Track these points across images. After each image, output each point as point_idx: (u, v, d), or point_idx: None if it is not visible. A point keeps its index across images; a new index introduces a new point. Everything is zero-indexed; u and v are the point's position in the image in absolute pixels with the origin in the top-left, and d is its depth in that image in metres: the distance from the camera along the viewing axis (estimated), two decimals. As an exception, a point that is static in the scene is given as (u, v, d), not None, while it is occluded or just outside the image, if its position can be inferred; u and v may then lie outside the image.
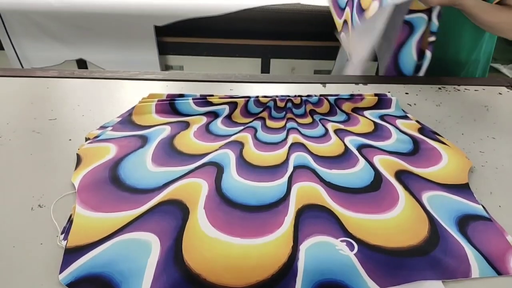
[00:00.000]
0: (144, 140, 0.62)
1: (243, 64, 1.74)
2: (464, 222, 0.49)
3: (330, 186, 0.53)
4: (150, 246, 0.43)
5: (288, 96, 0.72)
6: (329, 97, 0.73)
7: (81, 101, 0.74)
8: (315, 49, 1.72)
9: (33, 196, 0.51)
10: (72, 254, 0.42)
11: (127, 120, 0.67)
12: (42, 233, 0.46)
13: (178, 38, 1.66)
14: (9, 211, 0.49)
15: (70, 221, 0.47)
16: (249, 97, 0.71)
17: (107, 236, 0.44)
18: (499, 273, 0.42)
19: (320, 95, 0.73)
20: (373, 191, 0.53)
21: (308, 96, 0.73)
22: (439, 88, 0.82)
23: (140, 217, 0.47)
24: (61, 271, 0.41)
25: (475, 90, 0.82)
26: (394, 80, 0.84)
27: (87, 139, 0.63)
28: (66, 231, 0.46)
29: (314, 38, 1.69)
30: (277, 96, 0.72)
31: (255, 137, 0.64)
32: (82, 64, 1.74)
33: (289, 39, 1.70)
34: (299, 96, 0.73)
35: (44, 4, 1.58)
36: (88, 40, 1.64)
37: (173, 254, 0.42)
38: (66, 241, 0.44)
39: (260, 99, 0.71)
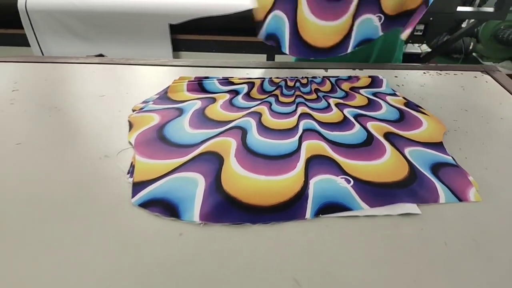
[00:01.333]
0: (180, 111, 0.76)
1: (250, 60, 1.88)
2: (437, 167, 0.63)
3: (331, 143, 0.67)
4: (196, 181, 0.57)
5: (297, 77, 0.87)
6: (330, 78, 0.87)
7: (123, 83, 0.89)
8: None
9: (100, 150, 0.66)
10: (138, 186, 0.57)
11: (164, 97, 0.82)
12: (111, 174, 0.60)
13: (191, 36, 1.80)
14: (83, 159, 0.64)
15: (132, 166, 0.62)
16: (264, 78, 0.85)
17: (163, 175, 0.59)
18: (460, 200, 0.57)
19: (323, 77, 0.87)
20: (366, 146, 0.67)
21: (313, 77, 0.87)
22: (424, 73, 0.97)
23: (186, 163, 0.61)
24: (132, 197, 0.55)
25: (454, 74, 0.96)
26: (385, 66, 0.98)
27: (133, 110, 0.77)
28: (130, 172, 0.60)
29: None
30: (287, 77, 0.86)
31: (270, 109, 0.78)
32: (100, 59, 1.89)
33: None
34: (305, 77, 0.87)
35: (68, 4, 1.72)
36: (107, 37, 1.79)
37: (215, 186, 0.56)
38: (132, 178, 0.59)
39: (273, 79, 0.85)
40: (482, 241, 0.51)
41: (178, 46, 1.82)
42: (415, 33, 1.75)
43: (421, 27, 1.72)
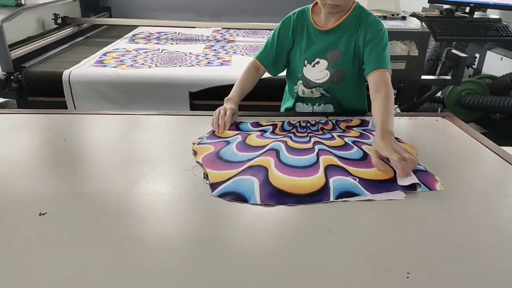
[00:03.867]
0: (227, 143, 1.05)
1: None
2: (413, 171, 0.92)
3: (339, 157, 0.97)
4: (253, 181, 0.85)
5: (307, 120, 1.19)
6: (332, 120, 1.20)
7: (186, 130, 1.19)
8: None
9: (182, 167, 0.93)
10: (215, 185, 0.84)
11: (213, 135, 1.11)
12: (193, 181, 0.87)
13: (207, 101, 2.15)
14: (172, 172, 0.91)
15: (205, 174, 0.89)
16: (283, 121, 1.17)
17: (228, 178, 0.86)
18: (430, 189, 0.85)
19: (326, 120, 1.20)
20: (363, 160, 0.97)
21: (320, 120, 1.20)
22: (399, 118, 1.30)
23: (241, 171, 0.89)
24: (213, 191, 0.82)
25: (421, 119, 1.30)
26: (370, 114, 1.32)
27: (193, 143, 1.06)
28: (205, 177, 0.88)
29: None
30: (300, 120, 1.18)
31: (292, 140, 1.08)
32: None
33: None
34: (314, 120, 1.20)
35: (104, 76, 2.08)
36: (135, 102, 2.12)
37: (266, 183, 0.84)
38: (208, 181, 0.86)
39: (291, 121, 1.17)
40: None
41: (195, 109, 2.15)
42: (390, 96, 2.16)
43: (394, 91, 2.13)
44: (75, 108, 2.12)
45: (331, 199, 0.81)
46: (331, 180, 0.86)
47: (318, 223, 0.74)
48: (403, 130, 1.21)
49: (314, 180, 0.86)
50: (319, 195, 0.81)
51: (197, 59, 2.44)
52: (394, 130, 1.01)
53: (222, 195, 0.81)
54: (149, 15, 3.61)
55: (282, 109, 1.44)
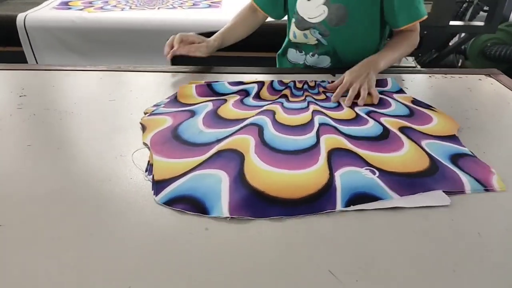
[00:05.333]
0: (192, 113, 0.75)
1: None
2: (455, 158, 0.63)
3: (348, 136, 0.67)
4: (220, 177, 0.56)
5: (305, 80, 0.87)
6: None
7: (132, 88, 0.88)
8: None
9: (115, 150, 0.64)
10: (160, 184, 0.55)
11: (174, 100, 0.81)
12: (128, 173, 0.58)
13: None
14: (101, 158, 0.62)
15: (150, 165, 0.60)
16: (273, 79, 0.86)
17: (184, 173, 0.57)
18: (485, 188, 0.56)
19: (329, 81, 0.88)
20: (383, 139, 0.67)
21: (322, 81, 0.88)
22: (429, 76, 0.98)
23: (206, 161, 0.60)
24: (156, 195, 0.53)
25: (459, 77, 0.98)
26: (392, 71, 1.00)
27: (145, 113, 0.76)
28: (148, 171, 0.58)
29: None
30: (295, 80, 0.87)
31: (282, 107, 0.78)
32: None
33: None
34: (313, 80, 0.88)
35: (67, 21, 1.73)
36: (104, 53, 1.79)
37: (240, 181, 0.55)
38: (151, 176, 0.57)
39: (283, 80, 0.85)
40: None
41: (176, 63, 1.82)
42: (410, 46, 1.79)
43: (416, 40, 1.77)
44: (36, 61, 1.80)
45: (339, 207, 0.52)
46: (337, 175, 0.56)
47: (313, 259, 0.46)
48: (436, 94, 0.89)
49: (312, 175, 0.56)
50: (319, 201, 0.52)
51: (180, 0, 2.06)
52: (381, 68, 0.89)
53: (169, 202, 0.52)
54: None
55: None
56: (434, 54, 2.02)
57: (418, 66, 2.21)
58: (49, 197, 0.53)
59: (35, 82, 0.90)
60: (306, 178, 0.56)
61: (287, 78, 0.91)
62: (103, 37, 1.75)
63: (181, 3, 1.99)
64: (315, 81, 0.88)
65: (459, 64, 2.72)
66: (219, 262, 0.44)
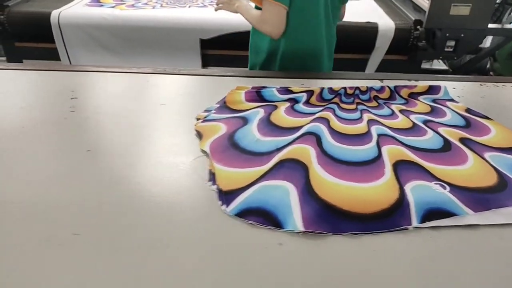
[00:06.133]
0: (245, 120, 0.74)
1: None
2: None
3: (411, 147, 0.65)
4: (287, 189, 0.55)
5: (357, 86, 0.85)
6: (390, 85, 0.86)
7: (181, 92, 0.88)
8: (341, 61, 1.86)
9: (173, 157, 0.64)
10: (229, 195, 0.54)
11: (224, 106, 0.80)
12: (190, 182, 0.58)
13: (219, 51, 1.80)
14: (160, 166, 0.61)
15: (211, 173, 0.59)
16: (323, 87, 0.84)
17: (250, 184, 0.56)
18: None
19: (381, 86, 0.86)
20: (446, 151, 0.65)
21: (373, 86, 0.87)
22: (480, 85, 0.95)
23: (269, 171, 0.59)
24: (226, 206, 0.52)
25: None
26: (441, 77, 0.97)
27: (198, 119, 0.75)
28: (212, 180, 0.58)
29: (341, 50, 1.82)
30: (346, 86, 0.85)
31: (335, 115, 0.76)
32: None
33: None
34: (365, 86, 0.86)
35: (99, 18, 1.73)
36: (136, 51, 1.79)
37: (308, 193, 0.54)
38: (215, 186, 0.56)
39: (333, 88, 0.84)
40: None
41: (207, 61, 1.82)
42: (446, 49, 1.76)
43: (452, 43, 1.73)
44: (68, 57, 1.81)
45: (414, 223, 0.50)
46: (407, 189, 0.55)
47: (390, 279, 0.44)
48: (490, 104, 0.86)
49: (381, 188, 0.55)
50: (393, 217, 0.51)
51: (210, -5, 2.04)
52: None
53: (241, 214, 0.51)
54: None
55: None
56: (468, 57, 1.97)
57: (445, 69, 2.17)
58: (117, 206, 0.53)
59: (84, 84, 0.91)
60: (376, 192, 0.55)
61: (336, 84, 0.90)
62: (134, 34, 1.75)
63: (211, 1, 1.98)
64: (366, 86, 0.86)
65: (487, 66, 2.66)
66: (293, 279, 0.43)
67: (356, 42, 1.76)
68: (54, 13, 1.72)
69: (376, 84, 0.91)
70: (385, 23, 1.73)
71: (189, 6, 1.91)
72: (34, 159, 0.62)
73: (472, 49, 1.85)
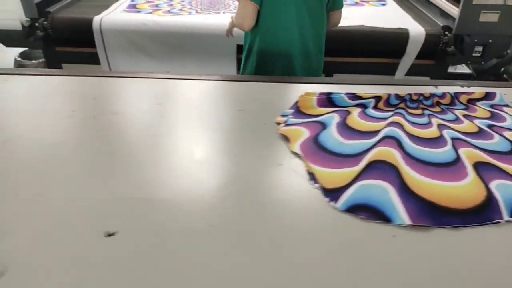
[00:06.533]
0: (323, 125, 0.80)
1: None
2: None
3: (483, 150, 0.72)
4: (384, 187, 0.61)
5: (421, 93, 0.92)
6: (450, 92, 0.93)
7: (254, 97, 0.94)
8: (372, 65, 1.93)
9: (269, 158, 0.70)
10: (335, 193, 0.61)
11: (298, 111, 0.86)
12: (290, 180, 0.64)
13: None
14: (261, 168, 0.68)
15: (310, 173, 0.66)
16: (389, 93, 0.91)
17: (350, 182, 0.63)
18: None
19: (443, 93, 0.93)
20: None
21: (435, 92, 0.93)
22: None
23: (362, 172, 0.65)
24: (335, 202, 0.59)
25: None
26: (491, 84, 1.03)
27: (277, 123, 0.81)
28: (313, 179, 0.64)
29: (373, 55, 1.90)
30: (411, 93, 0.92)
31: (406, 120, 0.82)
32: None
33: (348, 55, 1.90)
34: (428, 92, 0.93)
35: (139, 24, 1.80)
36: (174, 55, 1.85)
37: (405, 192, 0.60)
38: (318, 185, 0.63)
39: (399, 94, 0.90)
40: None
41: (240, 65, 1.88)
42: (474, 54, 1.82)
43: (480, 48, 1.79)
44: (108, 61, 1.88)
45: (506, 217, 0.57)
46: (492, 187, 0.62)
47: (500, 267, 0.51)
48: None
49: (470, 187, 0.62)
50: (486, 212, 0.58)
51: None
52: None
53: (350, 209, 0.58)
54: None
55: None
56: (494, 62, 2.03)
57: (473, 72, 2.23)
58: (239, 206, 0.60)
59: (165, 90, 0.97)
60: (465, 190, 0.61)
61: (394, 89, 0.96)
62: (173, 40, 1.81)
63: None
64: (430, 93, 0.92)
65: (502, 69, 2.72)
66: (412, 265, 0.50)
67: (387, 47, 1.82)
68: (96, 19, 1.78)
69: (431, 89, 0.98)
70: (416, 29, 1.79)
71: (223, 12, 1.97)
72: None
73: (499, 54, 1.91)
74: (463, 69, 2.22)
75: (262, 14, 1.19)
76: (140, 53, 1.84)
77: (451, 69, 2.08)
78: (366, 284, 0.47)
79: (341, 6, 1.30)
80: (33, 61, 2.48)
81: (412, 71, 1.87)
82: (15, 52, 2.46)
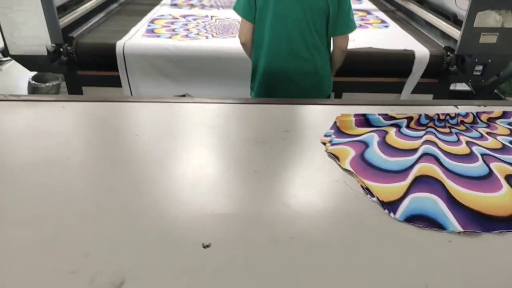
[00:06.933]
0: (365, 144, 0.89)
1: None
2: None
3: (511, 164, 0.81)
4: (434, 199, 0.70)
5: (448, 113, 1.02)
6: (473, 111, 1.03)
7: (300, 120, 1.03)
8: (379, 84, 2.05)
9: (325, 175, 0.78)
10: (393, 205, 0.69)
11: (339, 131, 0.95)
12: (349, 195, 0.73)
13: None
14: (320, 184, 0.76)
15: (365, 188, 0.74)
16: (420, 113, 1.01)
17: (402, 196, 0.71)
18: None
19: (466, 112, 1.03)
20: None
21: (459, 112, 1.03)
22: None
23: (411, 186, 0.74)
24: (391, 212, 0.67)
25: None
26: (506, 103, 1.14)
27: (323, 143, 0.90)
28: (368, 193, 0.73)
29: (381, 75, 2.02)
30: (438, 113, 1.02)
31: (438, 138, 0.92)
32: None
33: (358, 75, 2.01)
34: (454, 112, 1.03)
35: (161, 48, 1.89)
36: (193, 77, 1.94)
37: (453, 203, 0.69)
38: (375, 198, 0.71)
39: (428, 114, 1.00)
40: None
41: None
42: (474, 73, 1.96)
43: (480, 67, 1.93)
44: (129, 83, 1.96)
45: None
46: (525, 197, 0.71)
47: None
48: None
49: (506, 197, 0.71)
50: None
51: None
52: None
53: (408, 219, 0.66)
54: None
55: None
56: (492, 79, 2.17)
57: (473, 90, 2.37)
58: (299, 214, 0.68)
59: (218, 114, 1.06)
60: (503, 199, 0.71)
61: (420, 109, 1.06)
62: (192, 62, 1.91)
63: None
64: (455, 113, 1.02)
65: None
66: (466, 269, 0.58)
67: (394, 68, 1.95)
68: (119, 44, 1.87)
69: (451, 108, 1.08)
70: (420, 50, 1.92)
71: (237, 36, 2.08)
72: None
73: (498, 73, 2.05)
74: (462, 86, 2.36)
75: (254, 31, 1.41)
76: (160, 75, 1.93)
77: (451, 86, 2.21)
78: (433, 283, 0.55)
79: (343, 32, 1.39)
80: (47, 84, 2.55)
81: (417, 89, 2.00)
82: (28, 75, 2.54)
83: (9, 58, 3.52)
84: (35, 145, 0.86)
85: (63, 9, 2.06)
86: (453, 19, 2.08)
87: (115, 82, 1.96)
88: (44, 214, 0.66)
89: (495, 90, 3.01)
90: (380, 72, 1.99)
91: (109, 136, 0.93)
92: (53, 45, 1.86)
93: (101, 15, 2.42)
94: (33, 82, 2.54)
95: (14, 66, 3.60)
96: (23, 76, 3.49)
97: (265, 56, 1.40)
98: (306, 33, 1.34)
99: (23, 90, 3.24)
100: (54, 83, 2.54)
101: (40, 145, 0.86)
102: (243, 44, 1.48)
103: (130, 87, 1.97)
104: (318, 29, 1.34)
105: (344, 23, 1.36)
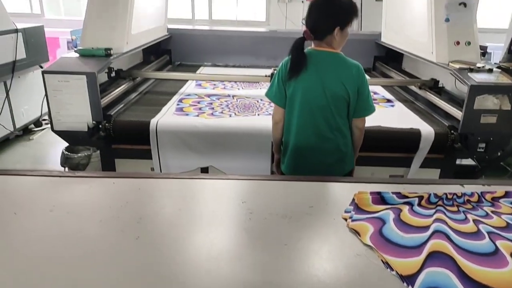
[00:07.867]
0: (382, 221, 1.01)
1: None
2: None
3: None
4: (447, 274, 0.80)
5: (455, 193, 1.14)
6: (478, 191, 1.15)
7: (318, 197, 1.16)
8: (389, 158, 2.19)
9: (348, 248, 0.89)
10: (411, 278, 0.79)
11: (358, 208, 1.07)
12: (371, 268, 0.83)
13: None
14: (343, 258, 0.87)
15: (385, 263, 0.84)
16: (429, 192, 1.13)
17: (418, 270, 0.82)
18: None
19: (471, 192, 1.16)
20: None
21: (465, 192, 1.15)
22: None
23: (426, 261, 0.84)
24: (413, 286, 0.77)
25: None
26: (507, 182, 1.27)
27: (344, 219, 1.02)
28: (389, 268, 0.83)
29: (390, 150, 2.17)
30: (446, 192, 1.14)
31: (447, 216, 1.03)
32: (203, 169, 2.20)
33: (369, 150, 2.17)
34: (460, 192, 1.15)
35: (191, 126, 2.10)
36: (218, 151, 2.12)
37: (465, 277, 0.79)
38: (394, 272, 0.81)
39: (437, 193, 1.13)
40: None
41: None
42: (478, 150, 2.10)
43: (483, 145, 2.08)
44: (158, 156, 2.14)
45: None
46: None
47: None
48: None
49: (512, 273, 0.81)
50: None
51: (271, 106, 2.45)
52: None
53: (425, 292, 0.76)
54: (207, 58, 3.71)
55: None
56: (496, 155, 2.31)
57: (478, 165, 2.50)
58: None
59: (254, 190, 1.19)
60: (511, 275, 0.80)
61: (429, 188, 1.18)
62: (217, 138, 2.10)
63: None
64: (461, 192, 1.14)
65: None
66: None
67: (402, 144, 2.11)
68: (153, 122, 2.09)
69: (457, 187, 1.20)
70: (426, 129, 2.09)
71: (258, 114, 2.30)
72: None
73: (500, 150, 2.20)
74: (468, 161, 2.50)
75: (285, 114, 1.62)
76: (187, 149, 2.12)
77: (457, 161, 2.35)
78: None
79: (362, 116, 1.60)
80: (79, 155, 2.76)
81: (425, 163, 2.14)
82: (58, 145, 2.75)
83: (40, 128, 3.82)
84: (92, 218, 1.00)
85: (102, 90, 2.33)
86: (455, 100, 2.29)
87: (146, 155, 2.15)
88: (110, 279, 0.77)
89: (502, 163, 3.13)
90: (390, 148, 2.15)
91: (156, 210, 1.07)
92: (94, 122, 2.09)
93: (134, 94, 2.70)
94: (67, 152, 2.74)
95: (43, 136, 3.92)
96: (52, 146, 3.76)
97: (293, 137, 1.61)
98: (329, 117, 1.54)
99: (52, 158, 3.48)
100: (86, 153, 2.74)
101: (96, 218, 1.00)
102: (276, 123, 1.68)
103: (159, 159, 2.14)
104: (340, 113, 1.55)
105: (363, 108, 1.57)
